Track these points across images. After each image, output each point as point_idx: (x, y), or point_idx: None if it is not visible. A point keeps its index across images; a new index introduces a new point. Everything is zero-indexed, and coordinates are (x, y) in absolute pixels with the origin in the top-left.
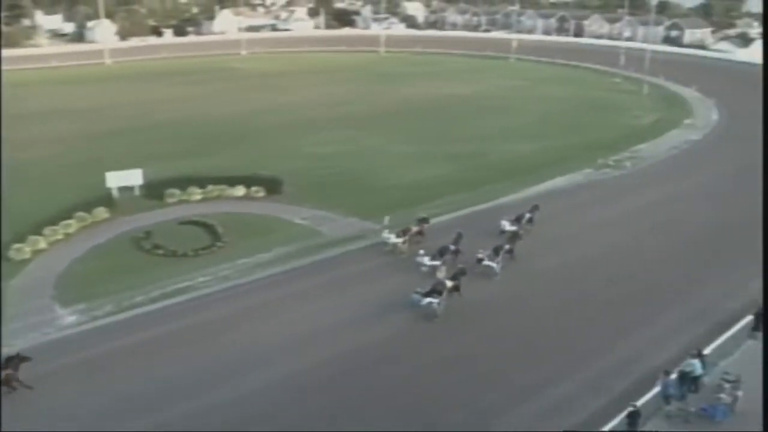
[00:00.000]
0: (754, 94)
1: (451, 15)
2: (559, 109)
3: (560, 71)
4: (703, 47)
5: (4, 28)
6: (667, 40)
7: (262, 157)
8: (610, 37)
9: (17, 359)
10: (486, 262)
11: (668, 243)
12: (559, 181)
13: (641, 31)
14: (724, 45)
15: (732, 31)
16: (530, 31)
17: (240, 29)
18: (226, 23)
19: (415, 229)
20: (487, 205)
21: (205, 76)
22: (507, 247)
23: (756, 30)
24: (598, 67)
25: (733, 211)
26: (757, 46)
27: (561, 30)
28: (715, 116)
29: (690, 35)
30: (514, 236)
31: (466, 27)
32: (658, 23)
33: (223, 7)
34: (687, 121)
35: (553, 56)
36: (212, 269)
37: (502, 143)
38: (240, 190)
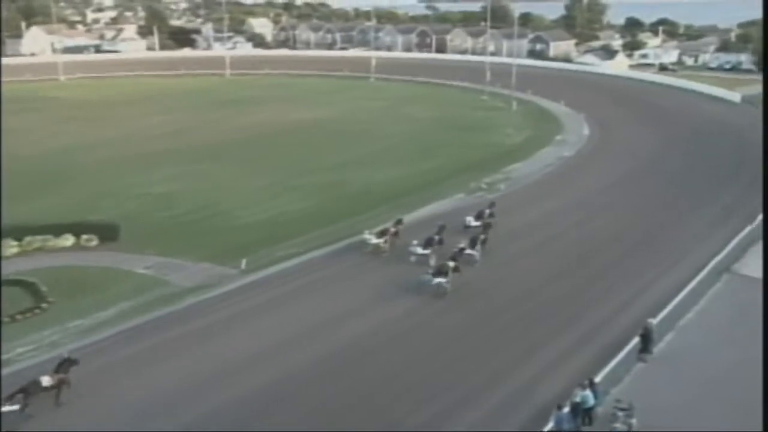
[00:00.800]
0: (622, 106)
1: (303, 32)
2: (425, 130)
3: (424, 90)
4: (568, 60)
5: None
6: (533, 54)
7: (93, 200)
8: (474, 52)
9: (68, 362)
10: (468, 251)
11: (549, 265)
12: (429, 209)
13: (506, 44)
14: (588, 57)
15: (596, 44)
16: (389, 48)
17: (55, 50)
18: (37, 43)
19: (392, 230)
20: (351, 241)
21: (15, 106)
22: (482, 237)
23: (617, 41)
24: (463, 84)
25: (616, 224)
26: (621, 59)
27: (422, 46)
28: (586, 131)
29: (555, 48)
30: (486, 227)
31: (320, 45)
32: (522, 36)
33: (31, 24)
34: (559, 137)
35: (416, 74)
36: (35, 336)
37: (364, 170)
38: (68, 240)
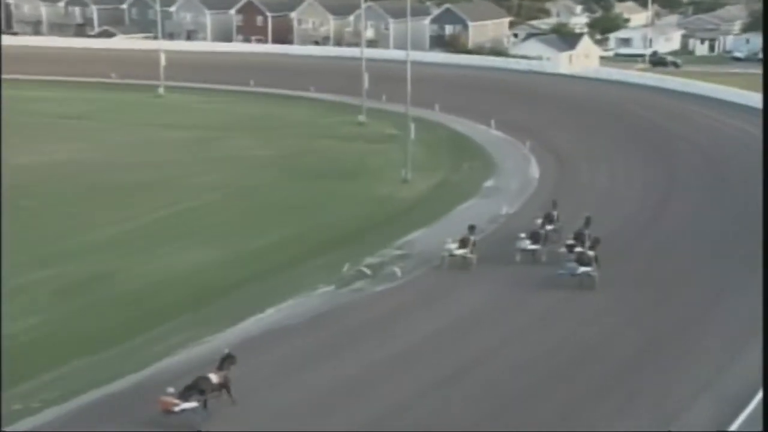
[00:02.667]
0: (593, 129)
1: (27, 2)
2: (262, 179)
3: (257, 108)
4: (499, 52)
5: None
6: (440, 42)
7: None
8: (340, 42)
9: (229, 359)
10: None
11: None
12: (268, 319)
13: (394, 27)
14: (532, 47)
15: (544, 23)
16: (191, 35)
17: None
18: None
19: (472, 238)
20: (126, 383)
21: None
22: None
23: (580, 18)
24: (324, 96)
25: (578, 337)
26: (587, 47)
27: (249, 30)
28: (534, 171)
29: (477, 32)
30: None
31: (61, 27)
32: (420, 15)
33: None
34: (490, 183)
35: (241, 80)
36: None
37: (151, 252)
38: None
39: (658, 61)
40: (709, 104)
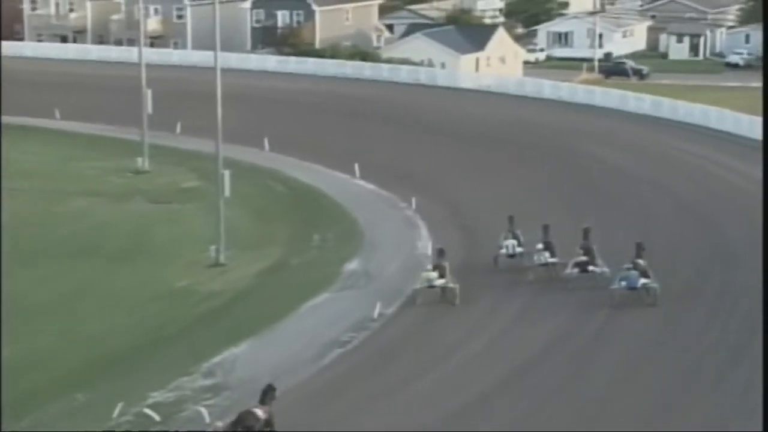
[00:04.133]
0: (524, 178)
1: None
2: None
3: None
4: (365, 54)
5: None
6: (268, 37)
7: None
8: (103, 37)
9: (271, 392)
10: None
11: None
12: None
13: (191, 15)
14: (415, 45)
15: (433, 10)
16: None
17: None
18: None
19: (446, 264)
20: None
21: None
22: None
23: (495, 2)
24: (75, 125)
25: None
26: (503, 46)
27: None
28: (425, 245)
29: (327, 23)
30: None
31: None
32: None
33: None
34: (352, 266)
35: None
36: None
37: None
38: None
39: (613, 69)
40: (693, 136)
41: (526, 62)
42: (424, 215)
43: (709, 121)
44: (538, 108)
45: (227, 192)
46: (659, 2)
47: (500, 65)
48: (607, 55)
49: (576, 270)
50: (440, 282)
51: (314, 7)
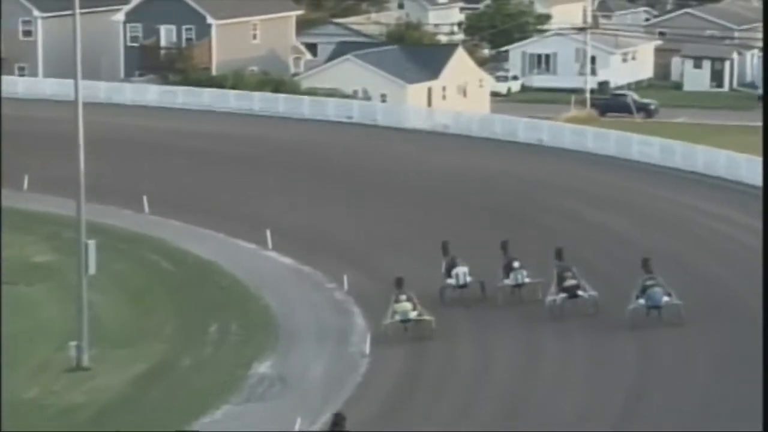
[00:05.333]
0: (491, 249)
1: None
2: None
3: None
4: (279, 83)
5: None
6: (147, 60)
7: None
8: None
9: (341, 422)
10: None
11: None
12: None
13: (44, 30)
14: (348, 71)
15: (367, 22)
16: None
17: None
18: None
19: (410, 293)
20: None
21: None
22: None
23: (453, 15)
24: None
25: None
26: (465, 70)
27: None
28: (354, 335)
29: (226, 40)
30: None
31: None
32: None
33: None
34: (262, 368)
35: None
36: None
37: None
38: None
39: (611, 104)
40: (716, 193)
41: (494, 94)
42: (359, 298)
43: (738, 172)
44: (510, 154)
45: (92, 269)
46: (670, 15)
47: (460, 98)
48: (603, 85)
49: (563, 295)
50: (414, 314)
51: (210, 20)
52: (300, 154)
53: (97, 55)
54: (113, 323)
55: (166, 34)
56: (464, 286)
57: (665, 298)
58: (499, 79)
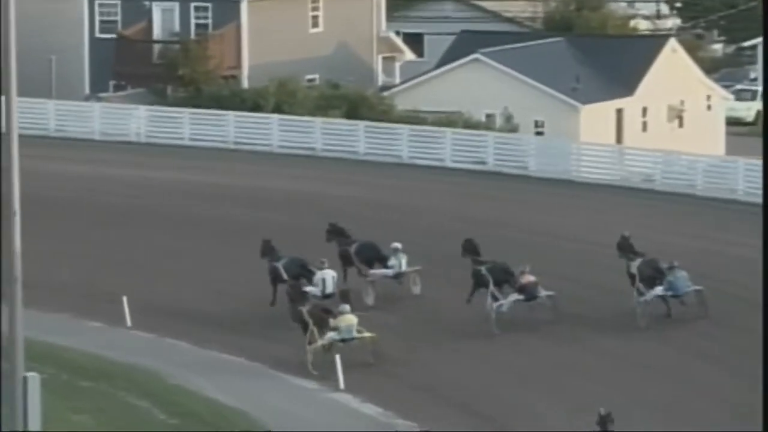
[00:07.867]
0: None
1: None
2: None
3: None
4: (351, 99)
5: None
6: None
7: None
8: None
9: (610, 422)
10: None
11: None
12: None
13: None
14: (462, 78)
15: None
16: None
17: None
18: None
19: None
20: None
21: None
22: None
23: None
24: None
25: None
26: (672, 78)
27: None
28: None
29: (259, 26)
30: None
31: None
32: None
33: None
34: None
35: None
36: None
37: None
38: None
39: None
40: None
41: (733, 121)
42: None
43: None
44: None
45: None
46: None
47: (672, 127)
48: None
49: (519, 297)
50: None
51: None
52: (409, 230)
53: (44, 54)
54: None
55: (163, 18)
56: (330, 296)
57: (690, 286)
58: (740, 95)
